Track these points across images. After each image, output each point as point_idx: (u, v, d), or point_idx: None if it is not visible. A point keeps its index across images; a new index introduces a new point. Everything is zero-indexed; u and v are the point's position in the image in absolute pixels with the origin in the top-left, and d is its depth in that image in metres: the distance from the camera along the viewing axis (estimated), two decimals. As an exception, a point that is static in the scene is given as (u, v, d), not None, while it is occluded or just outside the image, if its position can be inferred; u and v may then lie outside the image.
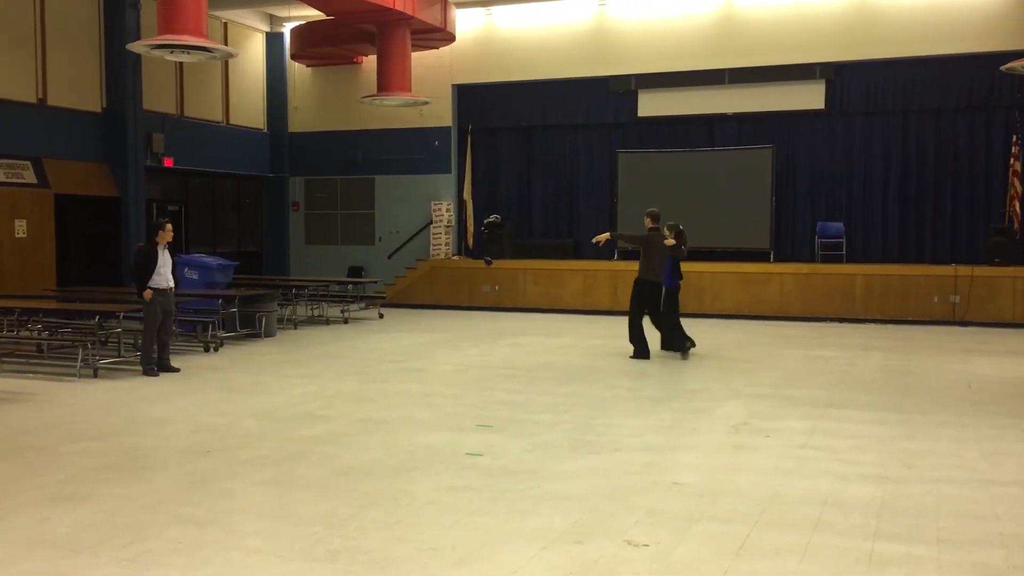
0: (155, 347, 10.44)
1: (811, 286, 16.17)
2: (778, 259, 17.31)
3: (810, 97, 17.30)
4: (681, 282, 11.95)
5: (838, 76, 17.17)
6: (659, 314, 11.87)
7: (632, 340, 11.63)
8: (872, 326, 15.26)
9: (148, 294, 10.34)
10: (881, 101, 17.09)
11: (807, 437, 7.30)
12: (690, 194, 17.66)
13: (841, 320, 15.72)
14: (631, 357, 11.53)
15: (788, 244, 17.77)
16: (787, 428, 7.61)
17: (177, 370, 10.49)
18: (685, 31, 17.68)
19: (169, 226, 10.69)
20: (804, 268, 16.49)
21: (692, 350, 11.64)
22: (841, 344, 13.08)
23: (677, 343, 11.70)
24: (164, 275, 10.51)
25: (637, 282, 11.84)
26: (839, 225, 17.20)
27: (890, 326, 15.20)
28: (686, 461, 6.57)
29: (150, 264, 10.39)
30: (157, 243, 10.54)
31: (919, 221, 17.15)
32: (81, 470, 6.34)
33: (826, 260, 16.87)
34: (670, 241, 11.61)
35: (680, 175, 17.86)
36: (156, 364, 10.40)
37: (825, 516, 5.31)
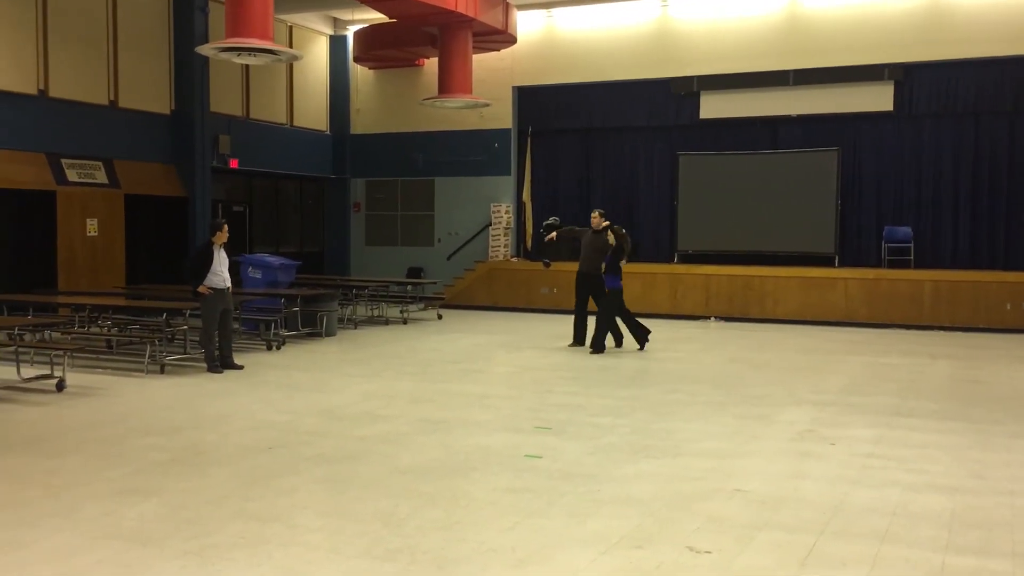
0: (216, 345, 10.60)
1: (877, 292, 15.82)
2: (843, 264, 16.97)
3: (878, 98, 16.92)
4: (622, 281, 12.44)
5: (907, 77, 16.77)
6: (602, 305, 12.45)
7: (575, 328, 12.57)
8: (941, 333, 14.87)
9: (204, 290, 10.47)
10: (952, 103, 16.65)
11: (873, 445, 7.13)
12: (753, 197, 17.46)
13: (908, 327, 15.35)
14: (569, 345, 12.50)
15: (853, 249, 17.40)
16: (853, 436, 7.44)
17: (241, 367, 10.65)
18: (749, 32, 17.45)
19: (225, 227, 10.80)
20: (870, 273, 16.14)
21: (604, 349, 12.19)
22: (908, 351, 12.77)
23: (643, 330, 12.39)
24: (221, 275, 10.57)
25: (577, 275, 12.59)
26: (907, 230, 16.80)
27: (959, 334, 14.79)
28: (749, 467, 6.46)
29: (204, 264, 10.51)
30: (213, 243, 10.66)
31: (991, 226, 16.66)
32: (147, 464, 6.47)
33: (893, 265, 16.49)
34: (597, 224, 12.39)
35: (743, 178, 17.65)
36: (219, 361, 10.58)
37: (893, 527, 5.17)
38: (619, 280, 12.19)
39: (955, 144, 16.83)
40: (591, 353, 12.01)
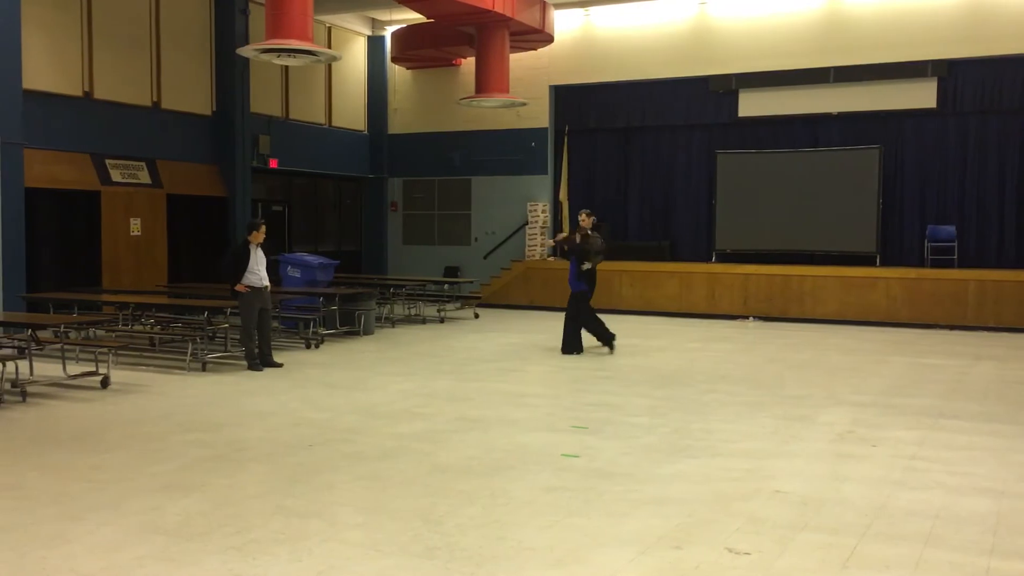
0: (256, 342, 10.71)
1: (920, 291, 15.58)
2: (885, 263, 16.73)
3: (921, 95, 16.67)
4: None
5: (951, 73, 16.50)
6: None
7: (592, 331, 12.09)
8: (985, 334, 14.60)
9: (242, 288, 10.55)
10: (997, 99, 16.34)
11: (916, 447, 7.03)
12: (792, 196, 17.29)
13: (952, 327, 15.10)
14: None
15: (895, 248, 17.16)
16: (895, 437, 7.34)
17: (280, 365, 10.76)
18: (788, 28, 17.27)
19: (263, 227, 10.85)
20: (912, 272, 15.90)
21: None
22: (952, 352, 12.57)
23: (577, 344, 12.01)
24: (258, 273, 10.63)
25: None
26: (951, 228, 16.54)
27: (1005, 334, 14.52)
28: (788, 468, 6.40)
29: (240, 262, 10.57)
30: (249, 242, 10.70)
31: (1037, 225, 16.38)
32: (190, 460, 6.57)
33: (936, 264, 16.24)
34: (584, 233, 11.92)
35: (782, 176, 17.48)
36: (259, 359, 10.69)
37: (937, 530, 5.10)
38: (583, 284, 11.80)
39: (1000, 141, 16.54)
40: (610, 352, 11.92)
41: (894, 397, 9.16)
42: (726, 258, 17.81)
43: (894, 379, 10.34)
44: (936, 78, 16.54)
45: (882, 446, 7.06)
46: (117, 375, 9.93)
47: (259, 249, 10.75)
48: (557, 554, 4.70)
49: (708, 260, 17.96)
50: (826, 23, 17.07)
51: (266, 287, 10.82)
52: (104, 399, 8.94)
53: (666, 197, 19.19)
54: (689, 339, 13.78)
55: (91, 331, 12.27)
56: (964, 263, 16.24)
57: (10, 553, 4.69)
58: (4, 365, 8.95)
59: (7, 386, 8.87)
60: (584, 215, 12.09)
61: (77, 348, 10.81)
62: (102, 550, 4.74)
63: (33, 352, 9.90)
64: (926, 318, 15.36)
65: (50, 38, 14.25)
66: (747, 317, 16.51)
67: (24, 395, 8.85)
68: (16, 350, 10.02)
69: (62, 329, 10.61)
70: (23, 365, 9.47)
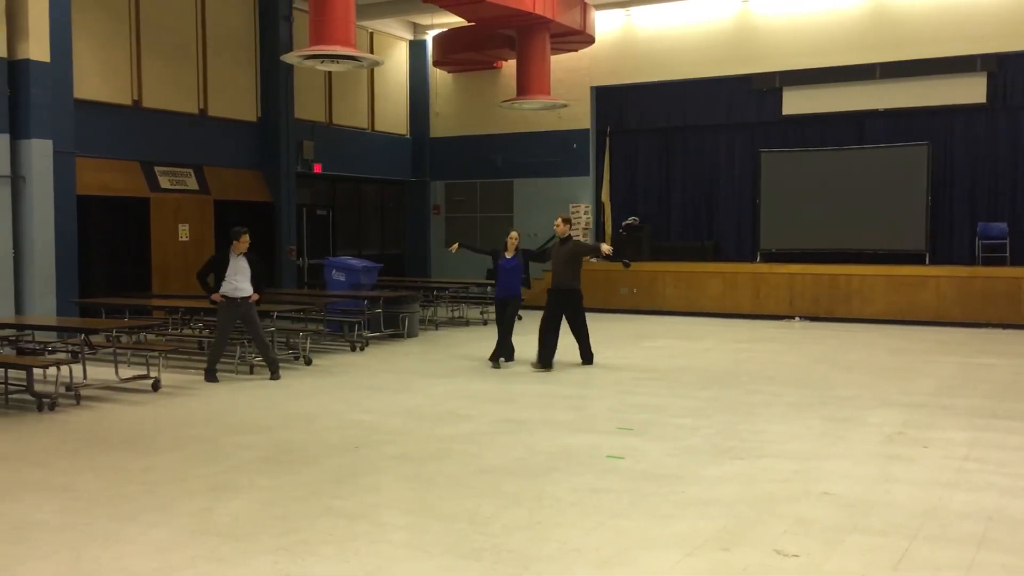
0: (221, 354, 10.32)
1: (971, 290, 15.27)
2: (934, 262, 16.45)
3: (970, 91, 16.36)
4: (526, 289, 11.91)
5: (1001, 68, 16.17)
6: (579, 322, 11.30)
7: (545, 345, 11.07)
8: (1039, 333, 14.29)
9: (217, 298, 10.14)
10: (1050, 93, 16.02)
11: (969, 449, 6.90)
12: (838, 194, 17.07)
13: (1005, 326, 14.79)
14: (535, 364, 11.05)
15: (945, 246, 16.86)
16: (946, 439, 7.22)
17: (278, 377, 10.27)
18: (833, 24, 17.05)
19: (244, 236, 10.18)
20: (963, 271, 15.60)
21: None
22: (1005, 351, 12.31)
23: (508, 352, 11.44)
24: (232, 283, 10.09)
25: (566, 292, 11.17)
26: (1002, 226, 16.20)
27: (1060, 333, 14.19)
28: (836, 470, 6.32)
29: (209, 271, 10.25)
30: (231, 252, 10.19)
31: (1093, 220, 15.99)
32: (239, 461, 6.66)
33: (988, 262, 15.91)
34: (606, 248, 11.21)
35: (827, 174, 17.27)
36: (270, 369, 10.36)
37: (990, 532, 5.00)
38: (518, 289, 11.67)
39: (1052, 136, 16.20)
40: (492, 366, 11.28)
41: (945, 397, 9.00)
42: (771, 258, 17.63)
43: (945, 379, 10.16)
44: (986, 73, 16.24)
45: (933, 447, 6.94)
46: (167, 378, 10.11)
47: (241, 259, 10.20)
48: (603, 555, 4.70)
49: (752, 260, 17.80)
50: (871, 18, 16.82)
51: (244, 298, 10.14)
52: (155, 402, 9.11)
53: (709, 197, 19.06)
54: (734, 340, 13.66)
55: (142, 335, 12.47)
56: (1016, 261, 15.90)
57: (66, 553, 4.81)
58: (59, 369, 9.16)
59: (62, 389, 9.08)
60: (561, 221, 11.53)
61: (129, 352, 11.00)
62: (154, 550, 4.83)
63: (86, 356, 10.12)
64: (978, 317, 15.07)
65: (100, 49, 14.55)
66: (793, 317, 16.33)
67: (78, 398, 9.05)
68: (70, 354, 10.24)
69: (114, 333, 10.78)
70: (77, 369, 9.67)
